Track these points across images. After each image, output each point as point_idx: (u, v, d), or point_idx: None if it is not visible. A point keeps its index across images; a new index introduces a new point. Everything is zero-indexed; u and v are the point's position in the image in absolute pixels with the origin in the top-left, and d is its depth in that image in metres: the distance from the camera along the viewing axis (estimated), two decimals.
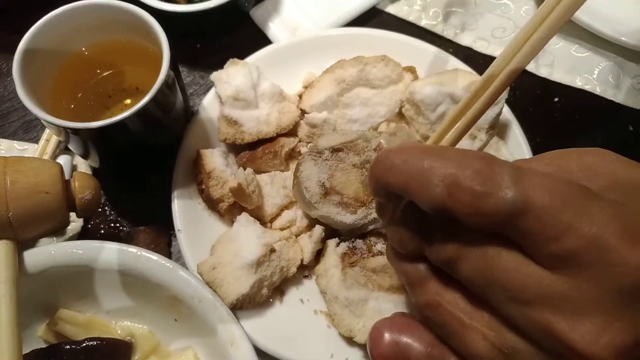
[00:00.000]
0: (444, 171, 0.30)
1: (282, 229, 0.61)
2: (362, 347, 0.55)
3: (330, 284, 0.56)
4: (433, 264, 0.35)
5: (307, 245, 0.59)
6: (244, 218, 0.59)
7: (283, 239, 0.58)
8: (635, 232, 0.28)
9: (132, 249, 0.52)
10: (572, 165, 0.33)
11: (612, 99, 0.72)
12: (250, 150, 0.62)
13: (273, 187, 0.61)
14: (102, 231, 0.63)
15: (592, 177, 0.32)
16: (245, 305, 0.55)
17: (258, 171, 0.62)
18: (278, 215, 0.61)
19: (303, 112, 0.64)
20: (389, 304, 0.54)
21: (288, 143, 0.62)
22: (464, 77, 0.62)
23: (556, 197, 0.29)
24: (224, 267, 0.55)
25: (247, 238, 0.57)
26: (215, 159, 0.59)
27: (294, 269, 0.58)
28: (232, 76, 0.61)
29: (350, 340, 0.55)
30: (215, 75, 0.62)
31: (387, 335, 0.37)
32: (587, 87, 0.73)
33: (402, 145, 0.33)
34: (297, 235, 0.60)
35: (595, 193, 0.30)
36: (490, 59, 0.74)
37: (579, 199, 0.29)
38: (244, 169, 0.57)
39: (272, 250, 0.56)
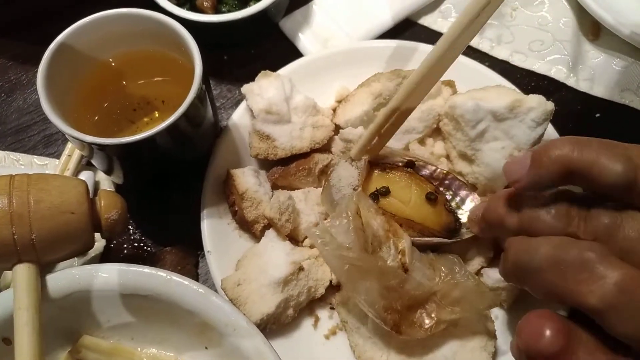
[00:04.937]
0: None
1: (312, 247, 0.58)
2: None
3: (353, 313, 0.53)
4: (585, 237, 0.36)
5: None
6: (272, 233, 0.56)
7: (312, 258, 0.56)
8: None
9: (162, 273, 0.49)
10: None
11: None
12: (282, 165, 0.59)
13: (307, 204, 0.58)
14: (126, 251, 0.60)
15: None
16: (270, 325, 0.52)
17: (290, 187, 0.59)
18: None
19: (337, 127, 0.61)
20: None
21: (322, 160, 0.59)
22: (507, 95, 0.59)
23: None
24: (249, 283, 0.53)
25: (275, 254, 0.54)
26: (247, 179, 0.57)
27: (322, 290, 0.55)
28: (264, 89, 0.59)
29: None
30: (246, 88, 0.60)
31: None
32: (629, 102, 0.69)
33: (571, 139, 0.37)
34: None
35: None
36: (528, 72, 0.71)
37: None
38: (280, 189, 0.55)
39: (301, 269, 0.54)
